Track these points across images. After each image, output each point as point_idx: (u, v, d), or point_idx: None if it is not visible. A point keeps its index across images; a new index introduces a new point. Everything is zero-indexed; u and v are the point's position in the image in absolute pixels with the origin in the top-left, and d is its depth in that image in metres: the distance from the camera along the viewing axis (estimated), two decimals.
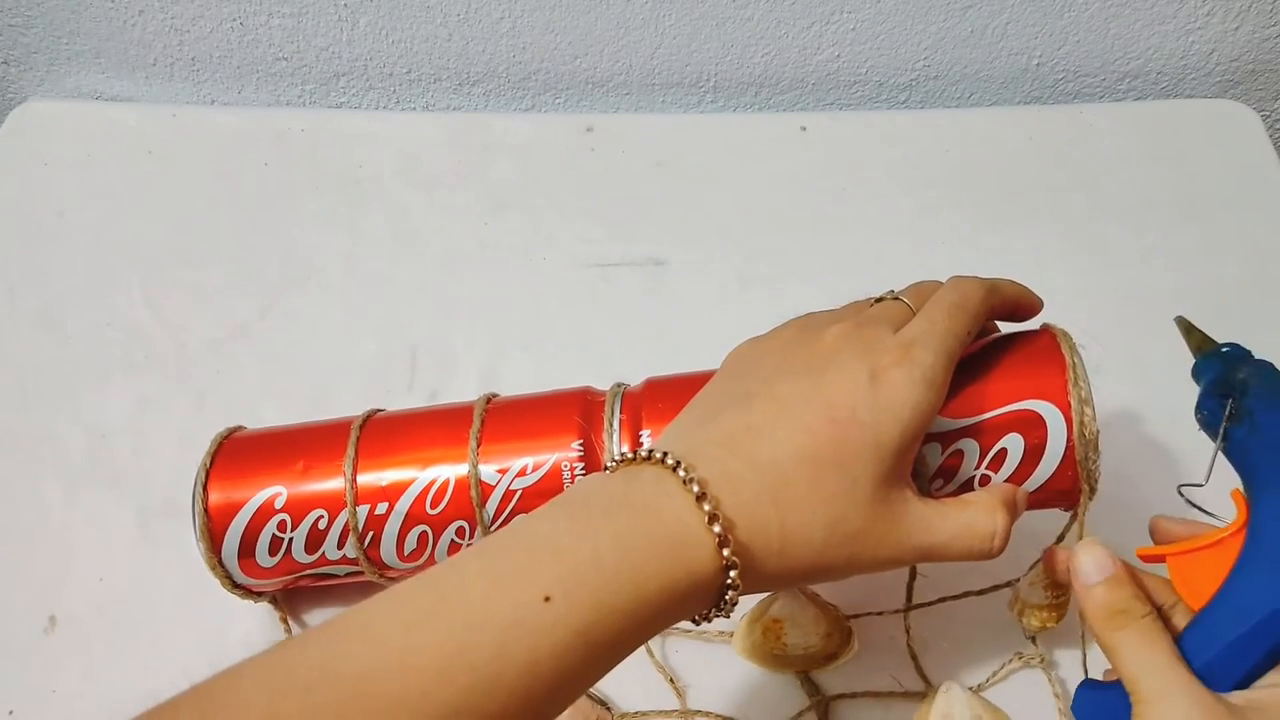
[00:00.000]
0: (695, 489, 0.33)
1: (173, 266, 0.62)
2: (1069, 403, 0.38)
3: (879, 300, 0.40)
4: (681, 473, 0.33)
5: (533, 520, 0.33)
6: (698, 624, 0.34)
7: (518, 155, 0.66)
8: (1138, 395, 0.53)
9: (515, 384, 0.56)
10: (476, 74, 0.69)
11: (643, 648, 0.46)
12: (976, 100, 0.70)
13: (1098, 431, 0.38)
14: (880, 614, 0.47)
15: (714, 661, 0.46)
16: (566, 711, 0.42)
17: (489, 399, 0.45)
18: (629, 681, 0.46)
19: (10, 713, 0.47)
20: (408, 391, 0.56)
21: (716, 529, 0.32)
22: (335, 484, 0.43)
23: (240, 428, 0.47)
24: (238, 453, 0.45)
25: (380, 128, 0.68)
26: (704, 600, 0.33)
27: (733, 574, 0.32)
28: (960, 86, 0.70)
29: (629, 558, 0.31)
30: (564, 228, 0.63)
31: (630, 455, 0.35)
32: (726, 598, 0.33)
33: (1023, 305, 0.41)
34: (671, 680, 0.46)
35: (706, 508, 0.32)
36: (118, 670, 0.48)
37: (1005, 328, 0.42)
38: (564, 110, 0.71)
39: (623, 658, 0.32)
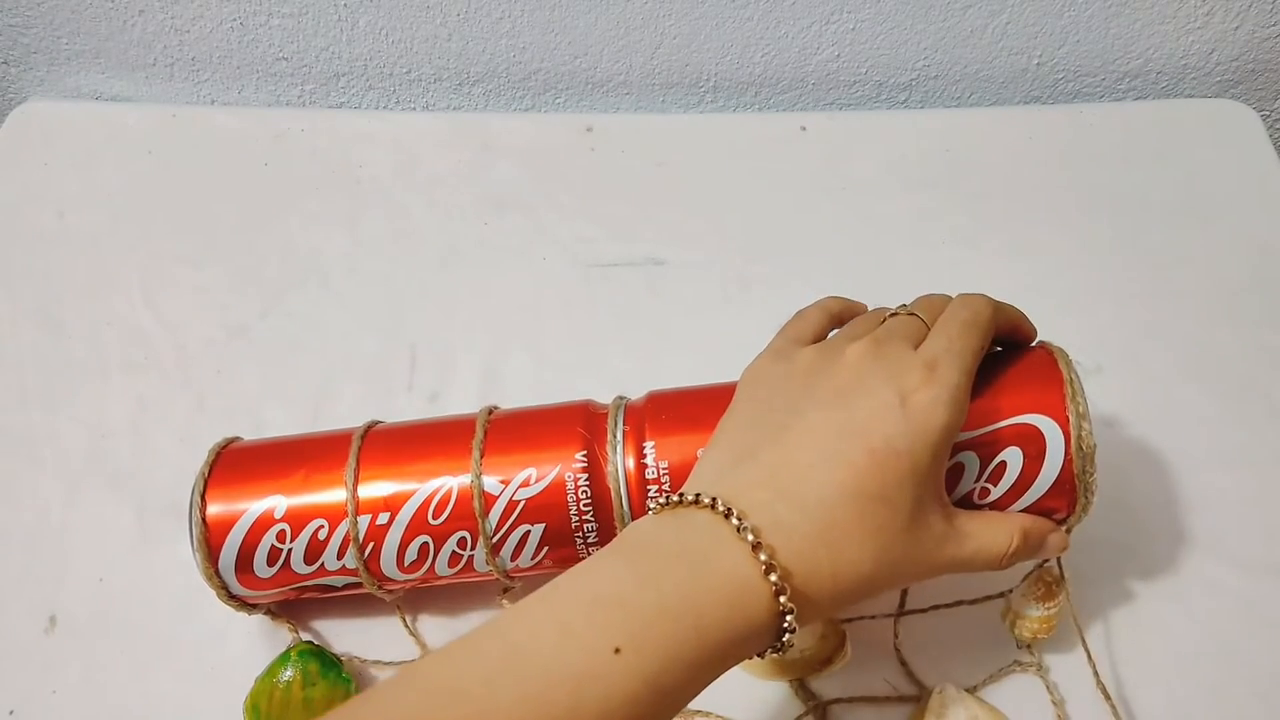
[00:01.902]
0: (750, 538, 0.33)
1: (173, 266, 0.62)
2: (1067, 417, 0.39)
3: (892, 314, 0.40)
4: (734, 521, 0.34)
5: (593, 568, 0.34)
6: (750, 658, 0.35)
7: (518, 155, 0.66)
8: (1137, 395, 0.54)
9: (516, 384, 0.56)
10: (476, 74, 0.69)
11: None
12: (976, 100, 0.70)
13: (1095, 445, 0.39)
14: (873, 618, 0.47)
15: None
16: None
17: (490, 410, 0.45)
18: None
19: (10, 713, 0.47)
20: (408, 391, 0.56)
21: (773, 579, 0.33)
22: (336, 494, 0.43)
23: (237, 438, 0.47)
24: (236, 463, 0.45)
25: (380, 128, 0.68)
26: (762, 642, 0.34)
27: (789, 618, 0.33)
28: (960, 86, 0.70)
29: (692, 608, 0.32)
30: (564, 228, 0.63)
31: (678, 498, 0.35)
32: (784, 640, 0.34)
33: (1021, 329, 0.42)
34: None
35: (762, 557, 0.33)
36: (118, 670, 0.48)
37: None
38: (564, 110, 0.71)
39: (688, 702, 0.33)
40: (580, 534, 0.42)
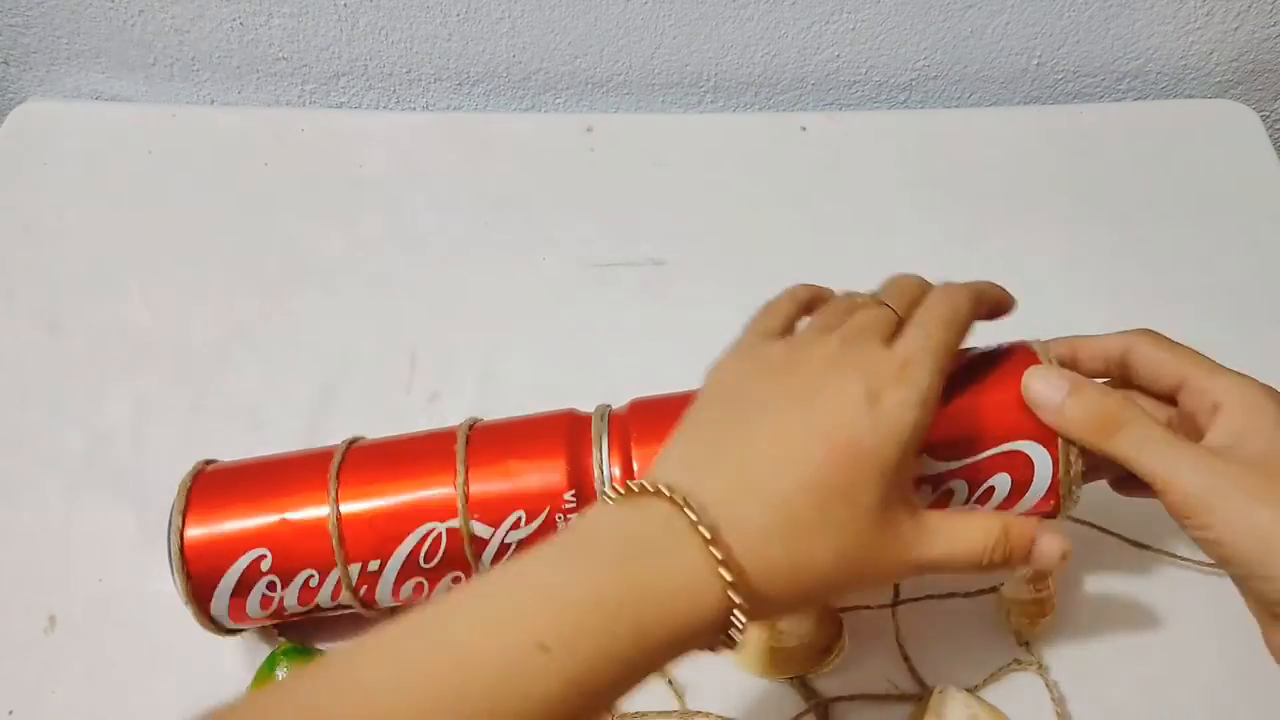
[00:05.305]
0: (705, 532, 0.32)
1: (173, 266, 0.61)
2: (1057, 444, 0.39)
3: (861, 305, 0.39)
4: (690, 514, 0.32)
5: (532, 559, 0.32)
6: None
7: (518, 155, 0.66)
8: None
9: (515, 384, 0.56)
10: (476, 74, 0.69)
11: None
12: (976, 100, 0.70)
13: (1082, 470, 0.39)
14: (868, 608, 0.47)
15: (713, 662, 0.46)
16: None
17: (470, 429, 0.43)
18: None
19: (10, 713, 0.47)
20: (407, 392, 0.56)
21: (727, 575, 0.32)
22: (322, 544, 0.42)
23: (203, 468, 0.45)
24: (212, 509, 0.43)
25: (381, 128, 0.68)
26: (708, 639, 0.33)
27: (737, 614, 0.32)
28: (960, 86, 0.70)
29: (632, 604, 0.31)
30: (564, 228, 0.63)
31: (634, 486, 0.34)
32: (731, 633, 0.33)
33: (1000, 307, 0.41)
34: (670, 681, 0.46)
35: (716, 553, 0.32)
36: (118, 670, 0.48)
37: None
38: (564, 110, 0.71)
39: (622, 696, 0.32)
40: None
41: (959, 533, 0.36)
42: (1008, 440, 0.39)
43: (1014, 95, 0.70)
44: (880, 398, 0.34)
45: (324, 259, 0.62)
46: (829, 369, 0.36)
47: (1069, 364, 0.41)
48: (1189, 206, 0.62)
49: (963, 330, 0.38)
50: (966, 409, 0.39)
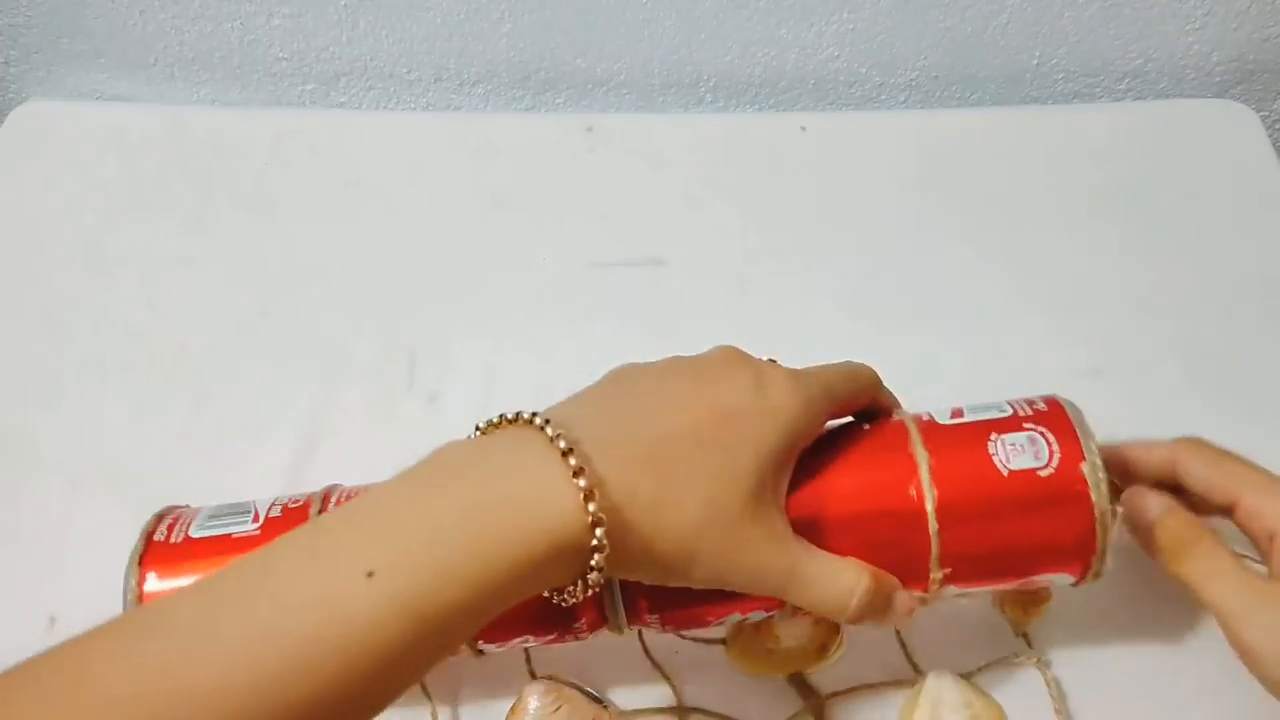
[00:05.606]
0: (562, 444, 0.31)
1: (173, 266, 0.62)
2: (1085, 575, 0.39)
3: None
4: (549, 430, 0.31)
5: (371, 491, 0.31)
6: (565, 604, 0.32)
7: (518, 155, 0.66)
8: (1137, 397, 0.53)
9: (515, 384, 0.56)
10: (476, 74, 0.69)
11: (639, 647, 0.46)
12: (976, 100, 0.70)
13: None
14: None
15: (711, 660, 0.46)
16: (565, 709, 0.43)
17: None
18: (626, 680, 0.46)
19: None
20: (407, 391, 0.56)
21: (582, 483, 0.30)
22: None
23: (154, 533, 0.42)
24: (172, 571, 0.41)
25: (380, 128, 0.68)
26: (567, 569, 0.31)
27: (599, 532, 0.30)
28: (960, 86, 0.70)
29: (476, 520, 0.29)
30: (564, 228, 0.63)
31: (495, 420, 0.33)
32: (593, 562, 0.31)
33: (883, 407, 0.41)
34: (669, 679, 0.46)
35: (573, 461, 0.30)
36: None
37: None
38: (564, 110, 0.71)
39: (468, 634, 0.30)
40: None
41: (831, 566, 0.35)
42: (1043, 573, 0.40)
43: (1014, 95, 0.70)
44: (767, 385, 0.35)
45: (324, 259, 0.62)
46: (726, 363, 0.36)
47: (1122, 478, 0.41)
48: (1189, 206, 0.62)
49: (858, 383, 0.39)
50: (1012, 541, 0.38)
